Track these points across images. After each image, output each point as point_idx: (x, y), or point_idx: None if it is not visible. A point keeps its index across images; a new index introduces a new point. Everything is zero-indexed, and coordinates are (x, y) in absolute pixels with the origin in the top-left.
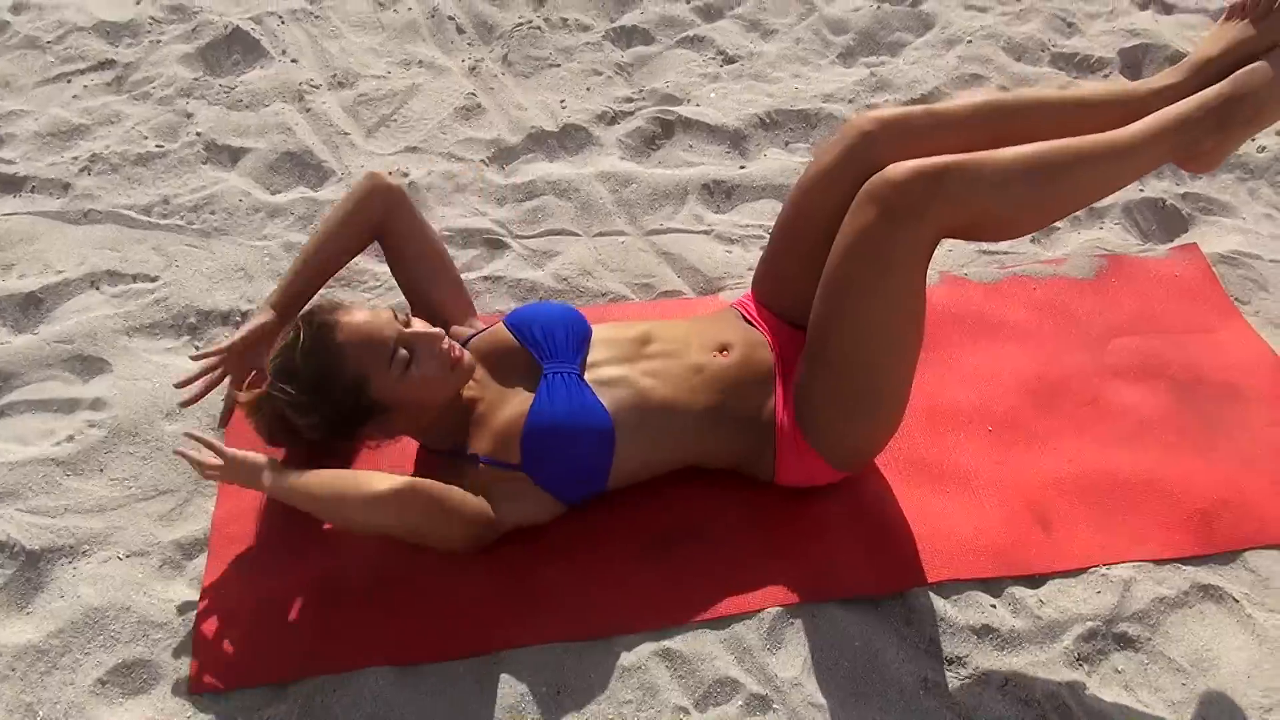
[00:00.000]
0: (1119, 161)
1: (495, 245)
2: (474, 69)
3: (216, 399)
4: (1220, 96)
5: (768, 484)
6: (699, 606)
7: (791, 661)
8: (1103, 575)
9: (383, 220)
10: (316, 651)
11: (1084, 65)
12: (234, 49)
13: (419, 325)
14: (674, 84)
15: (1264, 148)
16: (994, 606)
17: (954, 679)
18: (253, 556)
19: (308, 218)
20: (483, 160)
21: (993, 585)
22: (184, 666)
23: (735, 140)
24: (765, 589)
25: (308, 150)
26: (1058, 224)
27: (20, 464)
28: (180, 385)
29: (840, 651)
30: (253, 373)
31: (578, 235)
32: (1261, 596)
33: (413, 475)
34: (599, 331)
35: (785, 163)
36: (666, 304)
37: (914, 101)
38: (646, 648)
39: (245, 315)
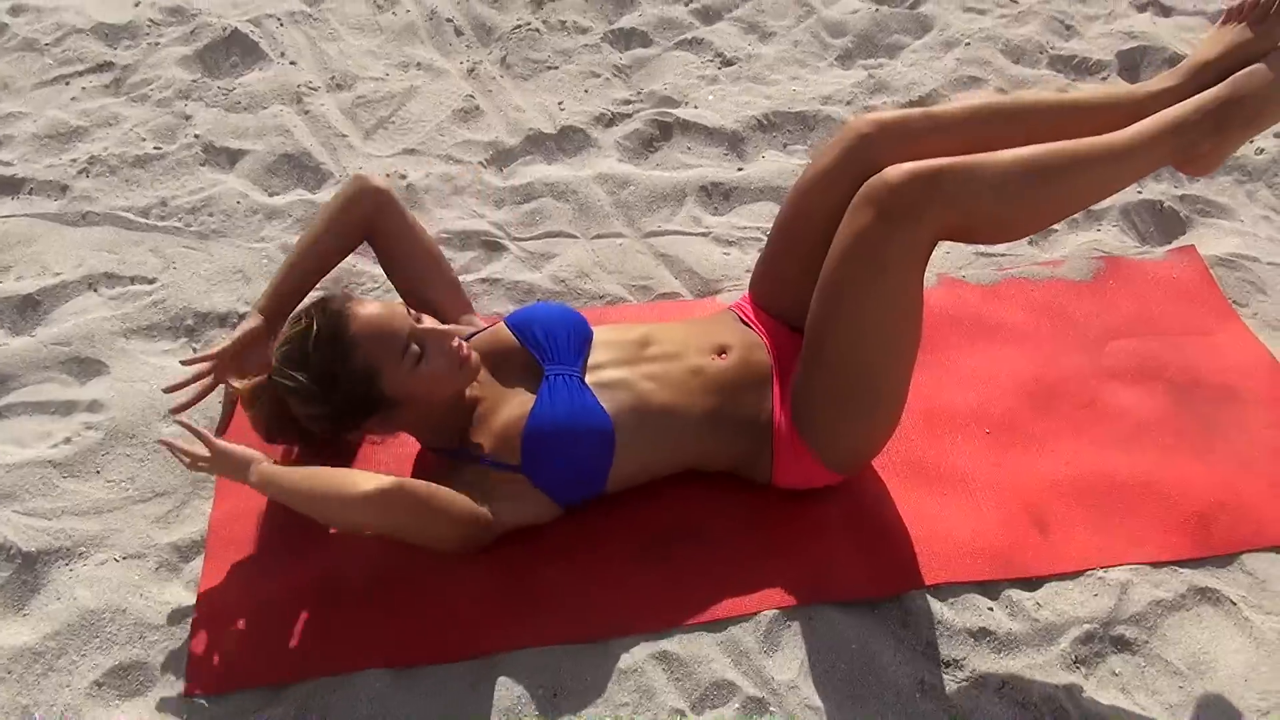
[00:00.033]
0: (1116, 164)
1: (493, 247)
2: (472, 71)
3: (216, 404)
4: (1218, 99)
5: (765, 486)
6: (696, 609)
7: (788, 664)
8: (1100, 578)
9: (371, 222)
10: (313, 653)
11: (1082, 68)
12: (232, 51)
13: (430, 321)
14: (672, 86)
15: (1262, 150)
16: (991, 609)
17: (951, 682)
18: (249, 559)
19: (306, 220)
20: (481, 162)
21: (990, 588)
22: (180, 669)
23: (733, 142)
24: (762, 591)
25: (306, 152)
26: (1055, 226)
27: (17, 466)
28: (170, 390)
29: (837, 654)
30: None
31: (575, 237)
32: (1259, 599)
33: (412, 474)
34: (599, 334)
35: (783, 165)
36: (664, 306)
37: (912, 104)
38: (643, 650)
39: (243, 317)
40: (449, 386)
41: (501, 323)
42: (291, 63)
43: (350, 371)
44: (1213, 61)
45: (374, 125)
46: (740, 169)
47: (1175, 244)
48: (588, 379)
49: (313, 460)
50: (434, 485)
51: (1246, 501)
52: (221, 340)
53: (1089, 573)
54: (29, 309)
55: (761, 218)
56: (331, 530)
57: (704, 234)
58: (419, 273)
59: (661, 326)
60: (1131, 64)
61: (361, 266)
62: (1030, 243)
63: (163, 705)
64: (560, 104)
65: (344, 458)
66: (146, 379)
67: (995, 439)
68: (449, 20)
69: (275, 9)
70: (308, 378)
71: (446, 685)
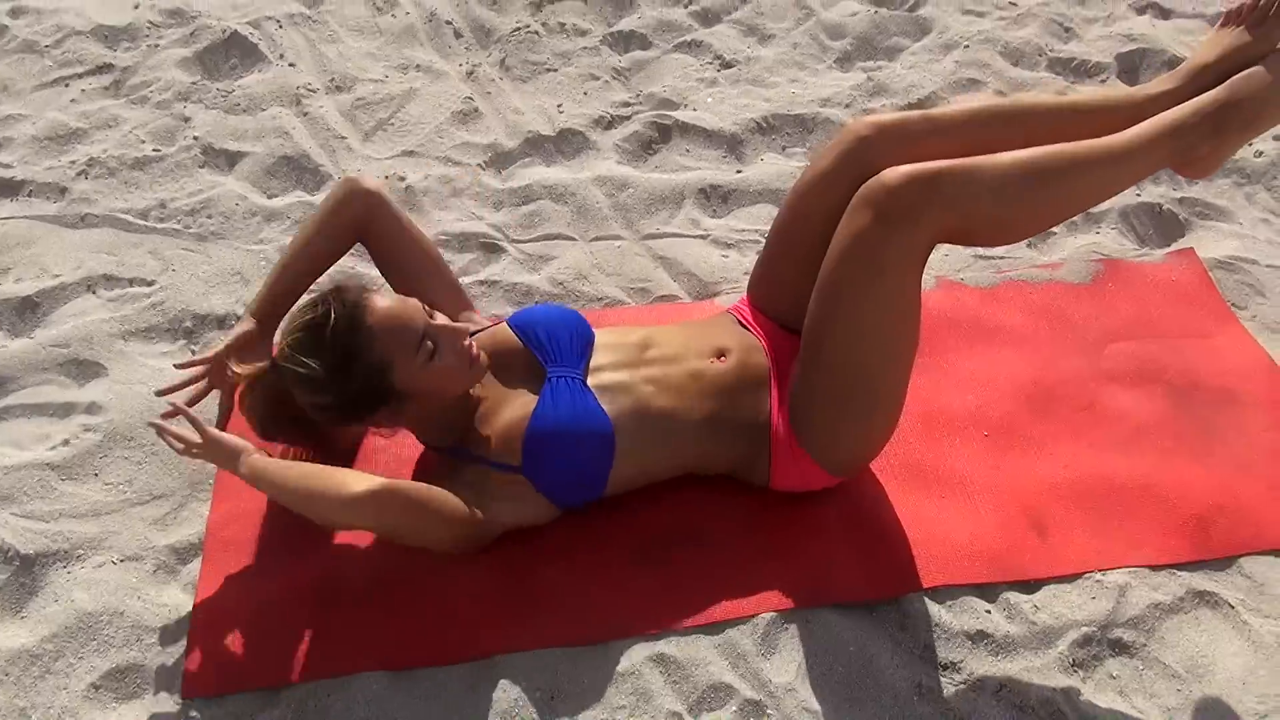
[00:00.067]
0: (1115, 167)
1: (491, 249)
2: (471, 73)
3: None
4: (1216, 102)
5: (763, 489)
6: (693, 611)
7: (786, 667)
8: (1098, 581)
9: (362, 224)
10: (310, 656)
11: (1081, 70)
12: (232, 53)
13: (442, 319)
14: (671, 88)
15: (1261, 153)
16: (989, 612)
17: (948, 685)
18: (247, 561)
19: (305, 222)
20: (479, 164)
21: (988, 591)
22: (178, 671)
23: (732, 145)
24: (760, 594)
25: (305, 154)
26: (1054, 229)
27: (15, 468)
28: (163, 393)
29: (834, 657)
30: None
31: (574, 239)
32: (1257, 602)
33: (414, 474)
34: (600, 336)
35: (782, 167)
36: (662, 308)
37: (911, 106)
38: (641, 653)
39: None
40: (458, 384)
41: (504, 323)
42: (291, 65)
43: (365, 363)
44: (1211, 64)
45: (373, 127)
46: (739, 171)
47: (1174, 247)
48: (589, 381)
49: (313, 459)
50: (427, 487)
51: (1245, 504)
52: (216, 344)
53: (1087, 575)
54: (28, 311)
55: (760, 220)
56: (333, 535)
57: (702, 236)
58: (415, 274)
59: (661, 329)
60: (1130, 66)
61: (361, 268)
62: (1029, 245)
63: (160, 708)
64: (559, 106)
65: (344, 458)
66: (145, 381)
67: (994, 441)
68: (448, 22)
69: (275, 11)
70: (321, 365)
71: (444, 687)
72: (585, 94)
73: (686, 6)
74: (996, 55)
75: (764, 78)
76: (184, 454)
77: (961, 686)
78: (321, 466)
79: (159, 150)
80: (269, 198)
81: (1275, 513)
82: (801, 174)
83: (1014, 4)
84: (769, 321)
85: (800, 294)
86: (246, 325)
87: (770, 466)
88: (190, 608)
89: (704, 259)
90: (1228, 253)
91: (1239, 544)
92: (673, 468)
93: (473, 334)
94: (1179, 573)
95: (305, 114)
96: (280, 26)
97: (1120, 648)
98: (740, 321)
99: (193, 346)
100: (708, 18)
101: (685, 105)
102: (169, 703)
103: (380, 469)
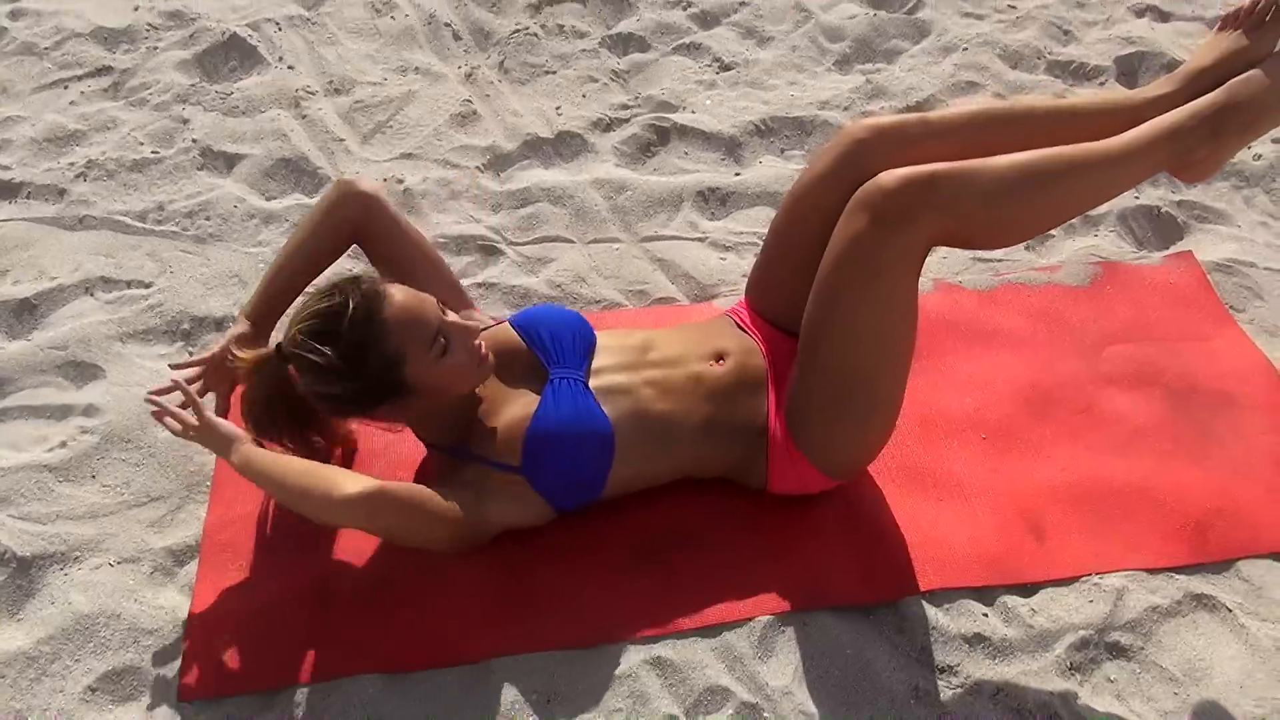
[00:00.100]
0: (1112, 170)
1: (490, 252)
2: (470, 76)
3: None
4: (1214, 105)
5: (760, 492)
6: (690, 614)
7: (782, 670)
8: (1095, 584)
9: (357, 225)
10: (307, 658)
11: (1080, 73)
12: (231, 55)
13: (453, 316)
14: (670, 91)
15: (1260, 156)
16: (986, 615)
17: (945, 688)
18: (244, 564)
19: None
20: (478, 167)
21: (985, 594)
22: (174, 674)
23: (730, 147)
24: (757, 597)
25: (303, 156)
26: (1052, 231)
27: (13, 470)
28: (156, 394)
29: (831, 660)
30: (233, 384)
31: (572, 242)
32: (1255, 606)
33: (416, 475)
34: (601, 339)
35: (780, 170)
36: (660, 311)
37: (910, 109)
38: (637, 656)
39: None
40: (467, 382)
41: (506, 322)
42: (289, 67)
43: (379, 354)
44: (1209, 68)
45: (371, 130)
46: (737, 174)
47: (1172, 249)
48: (590, 383)
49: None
50: (421, 489)
51: (1243, 508)
52: (211, 346)
53: (1085, 579)
54: (25, 313)
55: (758, 223)
56: (329, 538)
57: (701, 239)
58: (415, 275)
59: (661, 332)
60: (1130, 69)
61: (360, 269)
62: (1027, 248)
63: (156, 710)
64: (558, 109)
65: (327, 457)
66: (143, 383)
67: (991, 444)
68: (447, 25)
69: (274, 13)
70: (335, 354)
71: (440, 690)
72: (584, 96)
73: (685, 9)
74: (995, 58)
75: (763, 80)
76: (179, 435)
77: (959, 690)
78: (315, 463)
79: (157, 152)
80: (267, 200)
81: (1273, 516)
82: (799, 177)
83: (1013, 7)
84: (767, 324)
85: (798, 296)
86: (241, 328)
87: (767, 470)
88: (187, 610)
89: (702, 261)
90: (1226, 256)
91: (1237, 547)
92: (670, 471)
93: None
94: (1177, 576)
95: (304, 116)
96: (279, 29)
97: (1118, 651)
98: (738, 324)
99: (190, 348)
100: (706, 20)
101: (684, 108)
102: (165, 705)
103: (377, 471)
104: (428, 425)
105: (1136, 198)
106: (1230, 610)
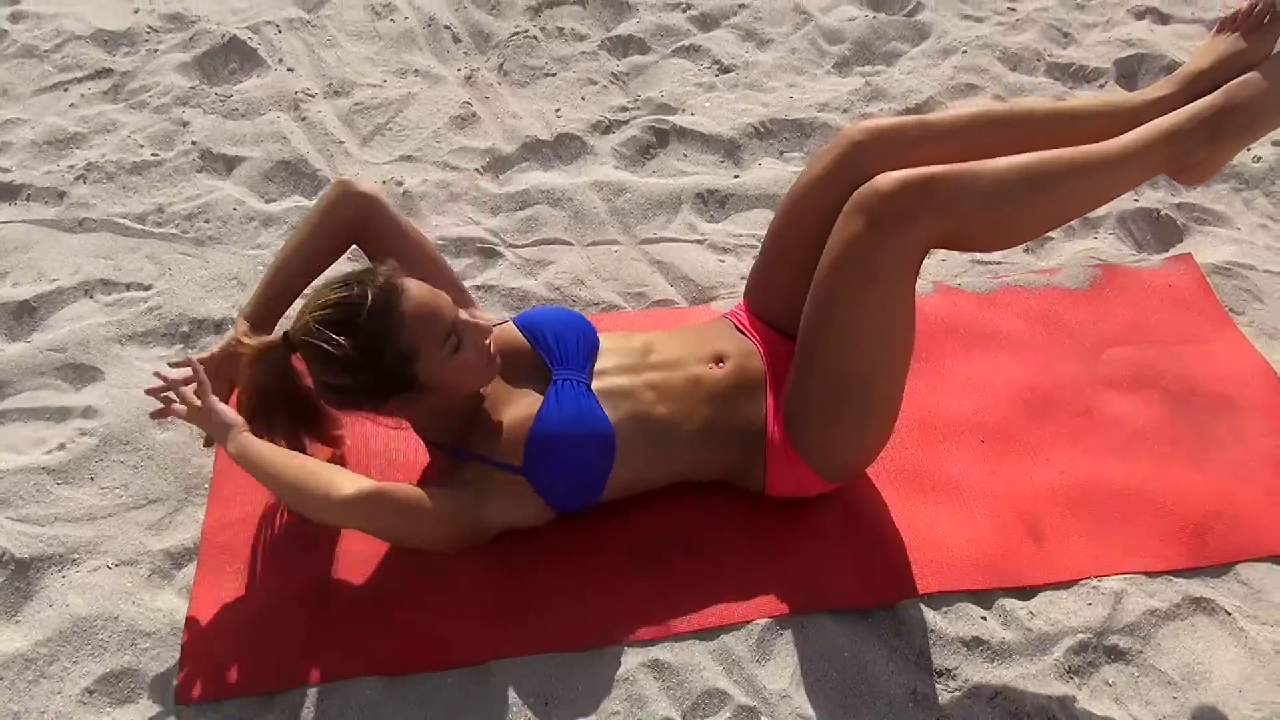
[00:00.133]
0: (1110, 172)
1: (489, 254)
2: (469, 78)
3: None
4: (1212, 108)
5: (759, 495)
6: (688, 616)
7: (780, 673)
8: (1094, 587)
9: (356, 226)
10: (305, 661)
11: (1079, 75)
12: (231, 58)
13: (465, 314)
14: (669, 93)
15: (1259, 158)
16: (984, 618)
17: (944, 691)
18: (242, 566)
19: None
20: (477, 169)
21: (983, 597)
22: (172, 676)
23: (730, 150)
24: (755, 600)
25: (303, 159)
26: (1051, 234)
27: (11, 472)
28: (152, 393)
29: (829, 663)
30: (232, 386)
31: (571, 244)
32: (1253, 609)
33: (419, 475)
34: (603, 341)
35: (779, 172)
36: (659, 313)
37: (909, 111)
38: (635, 658)
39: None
40: (474, 381)
41: (510, 322)
42: (289, 70)
43: (393, 348)
44: (1207, 71)
45: (371, 132)
46: (736, 176)
47: (1172, 252)
48: (594, 385)
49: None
50: (418, 490)
51: (1242, 511)
52: (210, 348)
53: (1083, 582)
54: (25, 315)
55: (757, 225)
56: (327, 540)
57: (699, 241)
58: (415, 274)
59: (661, 335)
60: (1129, 71)
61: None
62: (1026, 250)
63: (154, 713)
64: (557, 111)
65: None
66: (141, 386)
67: (990, 447)
68: (447, 27)
69: (274, 16)
70: (351, 345)
71: (438, 693)
72: (583, 99)
73: (685, 11)
74: (995, 60)
75: (762, 83)
76: (186, 417)
77: (957, 693)
78: (314, 461)
79: (157, 155)
80: (267, 202)
81: (1272, 519)
82: (797, 179)
83: (1013, 9)
84: (765, 326)
85: (796, 299)
86: (240, 329)
87: (765, 472)
88: (185, 613)
89: (701, 264)
90: (1225, 258)
91: (1236, 550)
92: (670, 474)
93: None
94: (1175, 579)
95: (303, 119)
96: (279, 31)
97: (1116, 654)
98: (737, 327)
99: (189, 351)
100: (706, 23)
101: (683, 110)
102: (163, 708)
103: (376, 471)
104: (431, 423)
105: (1136, 200)
106: (1229, 613)
